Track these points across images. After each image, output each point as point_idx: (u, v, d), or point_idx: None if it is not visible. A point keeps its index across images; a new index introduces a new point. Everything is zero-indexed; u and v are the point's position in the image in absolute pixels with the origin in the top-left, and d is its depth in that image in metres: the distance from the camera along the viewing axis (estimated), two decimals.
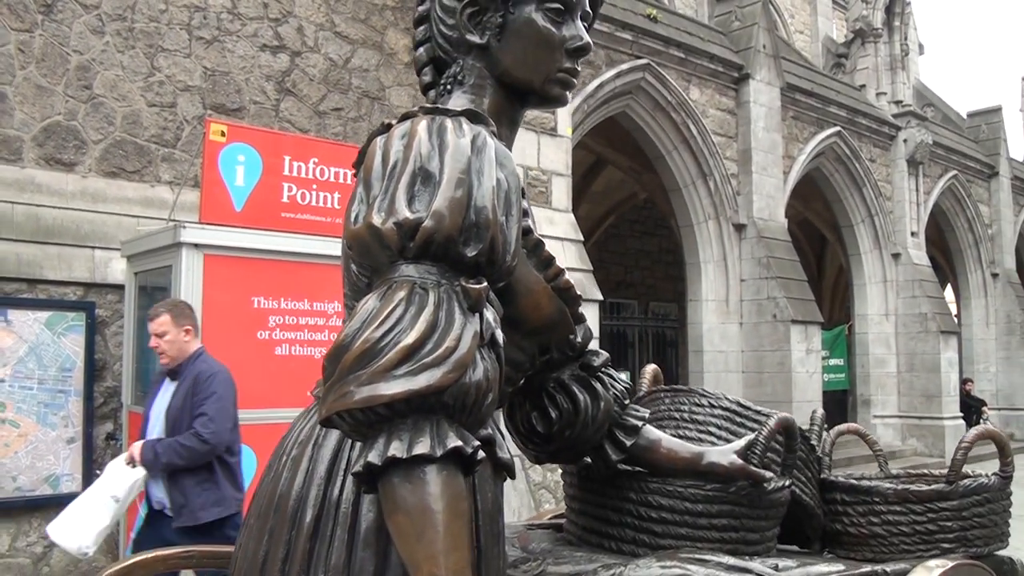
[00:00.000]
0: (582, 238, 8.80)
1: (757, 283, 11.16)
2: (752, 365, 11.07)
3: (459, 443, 1.12)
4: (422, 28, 1.67)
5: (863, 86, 15.32)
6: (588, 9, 1.67)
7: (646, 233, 17.49)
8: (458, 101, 1.57)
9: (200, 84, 7.61)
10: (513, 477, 1.49)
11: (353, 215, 1.29)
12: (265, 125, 7.80)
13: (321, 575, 1.31)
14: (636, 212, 17.01)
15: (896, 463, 11.98)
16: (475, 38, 1.59)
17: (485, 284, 1.24)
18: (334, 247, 5.48)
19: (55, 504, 6.13)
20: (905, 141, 14.73)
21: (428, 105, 1.42)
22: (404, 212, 1.21)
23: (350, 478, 1.33)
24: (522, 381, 1.74)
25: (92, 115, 7.01)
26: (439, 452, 1.10)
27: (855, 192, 14.10)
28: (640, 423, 1.85)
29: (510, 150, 1.57)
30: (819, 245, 18.45)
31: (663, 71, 10.79)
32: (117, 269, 6.61)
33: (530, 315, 1.50)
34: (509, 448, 1.50)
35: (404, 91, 8.95)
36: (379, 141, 1.34)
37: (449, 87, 1.61)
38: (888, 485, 2.15)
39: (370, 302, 1.19)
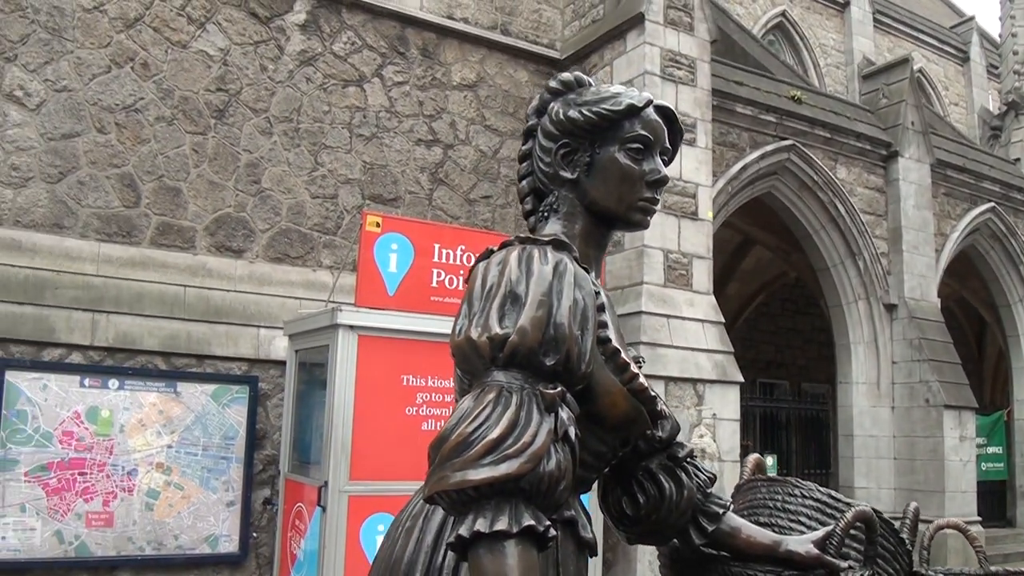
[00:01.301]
0: (723, 320, 8.87)
1: (909, 365, 10.87)
2: (904, 451, 10.73)
3: (532, 522, 1.36)
4: (525, 163, 1.97)
5: (1018, 159, 14.81)
6: (667, 145, 1.94)
7: (798, 312, 17.22)
8: (553, 227, 1.86)
9: (360, 177, 8.22)
10: (594, 554, 1.74)
11: (457, 328, 1.58)
12: (419, 213, 8.33)
13: None
14: (787, 291, 16.80)
15: None
16: (567, 174, 1.87)
17: (560, 389, 1.49)
18: None
19: (213, 562, 6.66)
20: None
21: (522, 235, 1.72)
22: (495, 328, 1.49)
23: None
24: (607, 469, 1.97)
25: (260, 207, 7.68)
26: (515, 529, 1.34)
27: (1011, 270, 13.54)
28: (721, 511, 2.04)
29: (599, 269, 1.87)
30: (978, 325, 17.62)
31: (808, 151, 10.80)
32: (279, 346, 7.15)
33: (608, 413, 1.73)
34: (592, 528, 1.75)
35: None
36: (480, 267, 1.64)
37: (546, 214, 1.90)
38: None
39: (466, 402, 1.46)
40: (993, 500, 13.83)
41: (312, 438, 6.35)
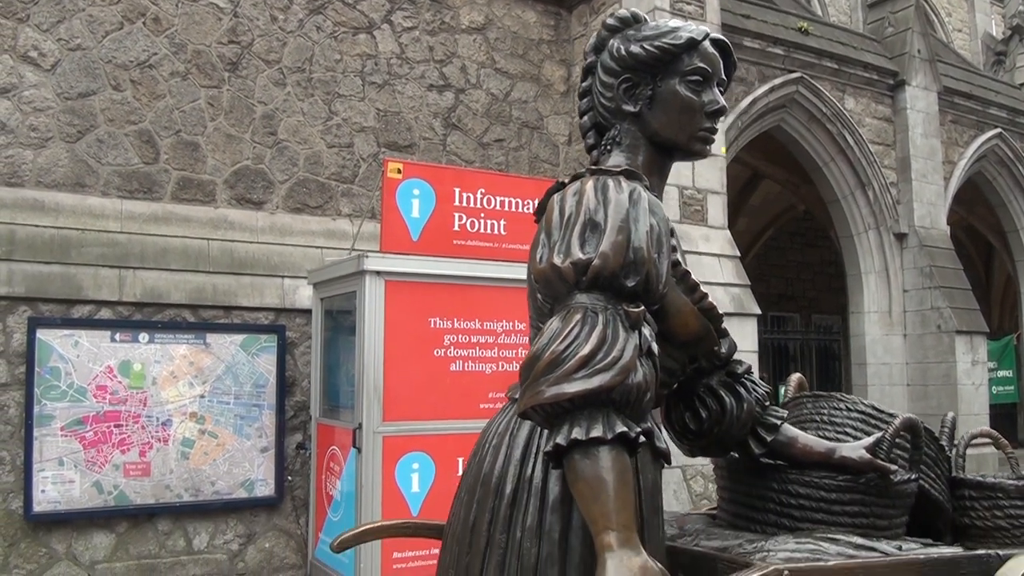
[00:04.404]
0: (739, 254, 8.96)
1: (920, 293, 10.97)
2: (917, 377, 10.87)
3: (624, 429, 1.47)
4: (585, 100, 2.04)
5: (1023, 84, 14.75)
6: (723, 76, 2.01)
7: (807, 245, 17.28)
8: (617, 159, 1.94)
9: (374, 124, 8.25)
10: (669, 463, 1.85)
11: (538, 256, 1.67)
12: (434, 159, 8.37)
13: (519, 533, 1.70)
14: (796, 224, 16.84)
15: None
16: (630, 107, 1.95)
17: (642, 308, 1.59)
18: (502, 270, 5.96)
19: (250, 506, 6.85)
20: None
21: (593, 167, 1.80)
22: (578, 254, 1.58)
23: (540, 459, 1.72)
24: (675, 385, 2.09)
25: (277, 158, 7.73)
26: (610, 435, 1.45)
27: (1019, 195, 13.56)
28: (779, 422, 2.15)
29: (661, 197, 1.95)
30: (986, 252, 17.70)
31: (817, 83, 10.79)
32: (304, 295, 7.26)
33: (680, 331, 1.84)
34: (665, 440, 1.86)
35: (561, 119, 9.38)
36: (556, 198, 1.72)
37: (609, 147, 1.98)
38: (1011, 482, 2.35)
39: (555, 323, 1.56)
40: (1005, 423, 14.03)
41: (341, 383, 6.48)
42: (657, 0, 8.64)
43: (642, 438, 1.50)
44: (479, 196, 6.30)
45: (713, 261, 8.56)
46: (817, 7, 16.89)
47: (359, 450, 5.67)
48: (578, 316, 1.54)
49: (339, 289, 6.28)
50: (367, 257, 5.73)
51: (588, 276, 1.57)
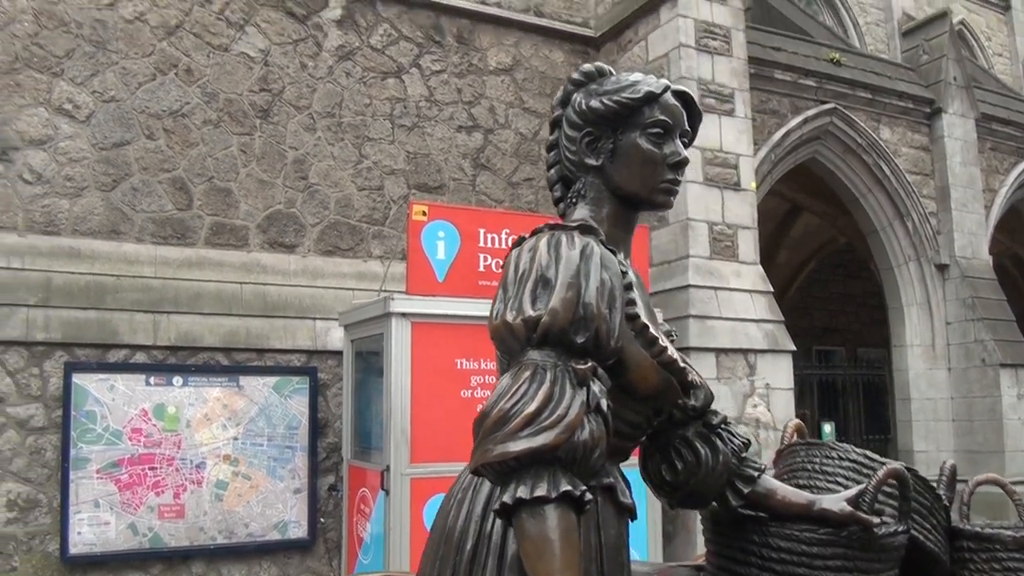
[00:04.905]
0: (771, 289, 8.86)
1: (963, 325, 10.76)
2: (962, 413, 10.63)
3: (569, 488, 1.47)
4: (553, 153, 2.06)
5: None
6: (687, 127, 2.02)
7: (850, 276, 17.06)
8: (582, 212, 1.95)
9: (404, 166, 8.35)
10: (634, 518, 1.85)
11: (494, 312, 1.69)
12: (463, 199, 8.45)
13: None
14: (838, 256, 16.64)
15: None
16: (592, 160, 1.96)
17: (591, 364, 1.59)
18: None
19: (283, 548, 6.88)
20: None
21: (551, 222, 1.82)
22: (529, 310, 1.59)
23: None
24: (646, 438, 2.08)
25: (309, 202, 7.86)
26: (554, 494, 1.45)
27: None
28: (756, 473, 2.13)
29: (629, 249, 1.97)
30: None
31: (851, 113, 10.71)
32: (336, 337, 7.33)
33: (639, 385, 1.83)
34: (631, 494, 1.86)
35: None
36: (513, 254, 1.74)
37: (574, 200, 1.99)
38: (1009, 533, 2.27)
39: (505, 380, 1.57)
40: None
41: (372, 424, 6.51)
42: (682, 37, 8.67)
43: (588, 496, 1.50)
44: (504, 236, 6.33)
45: (745, 297, 8.49)
46: (853, 37, 16.80)
47: (387, 492, 5.68)
48: (527, 373, 1.55)
49: (368, 331, 6.33)
50: (393, 299, 5.77)
51: (538, 333, 1.58)
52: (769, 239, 15.50)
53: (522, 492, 1.46)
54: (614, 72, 2.02)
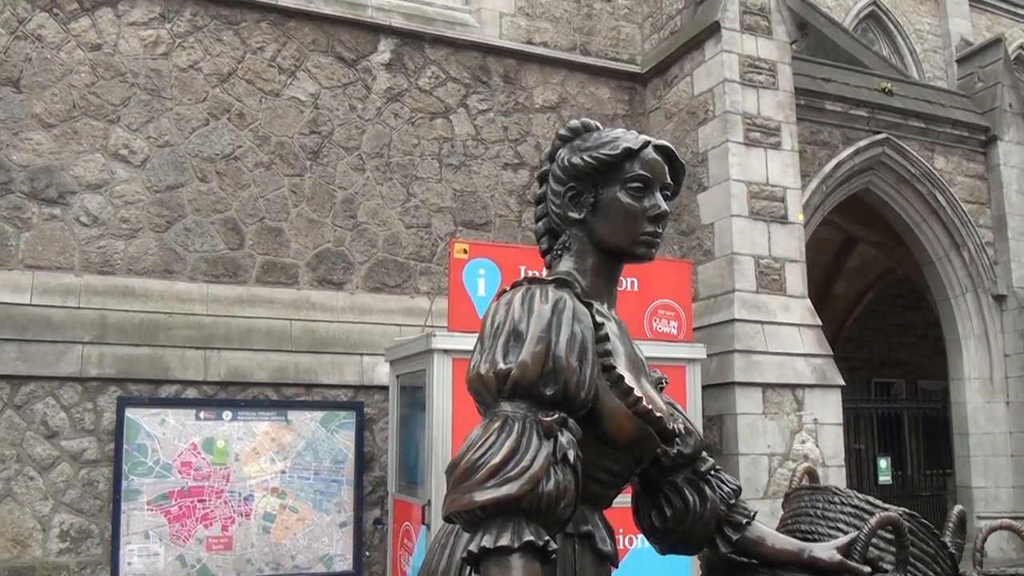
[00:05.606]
0: (819, 323, 8.77)
1: (1022, 358, 10.50)
2: (1021, 448, 10.36)
3: (532, 538, 1.52)
4: (541, 206, 2.12)
5: None
6: (668, 181, 2.07)
7: (909, 307, 16.70)
8: (566, 264, 2.01)
9: (451, 204, 8.50)
10: (615, 565, 1.89)
11: (471, 365, 1.76)
12: (509, 236, 8.55)
13: None
14: (896, 286, 16.31)
15: None
16: (575, 214, 2.02)
17: (559, 416, 1.65)
18: None
19: None
20: None
21: (530, 276, 1.88)
22: (500, 364, 1.65)
23: None
24: (639, 484, 2.12)
25: (357, 240, 8.03)
26: (516, 544, 1.51)
27: None
28: (745, 520, 2.15)
29: (613, 301, 2.05)
30: None
31: (903, 143, 10.59)
32: (382, 372, 7.45)
33: (615, 434, 1.87)
34: (612, 542, 1.90)
35: None
36: (491, 307, 1.81)
37: (560, 253, 2.05)
38: None
39: (475, 431, 1.63)
40: None
41: (416, 459, 6.59)
42: (727, 72, 8.71)
43: (552, 545, 1.55)
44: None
45: (793, 331, 8.42)
46: (911, 64, 16.63)
47: (428, 527, 5.75)
48: (496, 425, 1.61)
49: (412, 366, 6.43)
50: (435, 336, 5.87)
51: (508, 385, 1.64)
52: (825, 270, 15.32)
53: (487, 541, 1.52)
54: (600, 127, 2.08)
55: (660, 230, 2.03)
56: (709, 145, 8.85)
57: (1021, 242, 10.99)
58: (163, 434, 6.65)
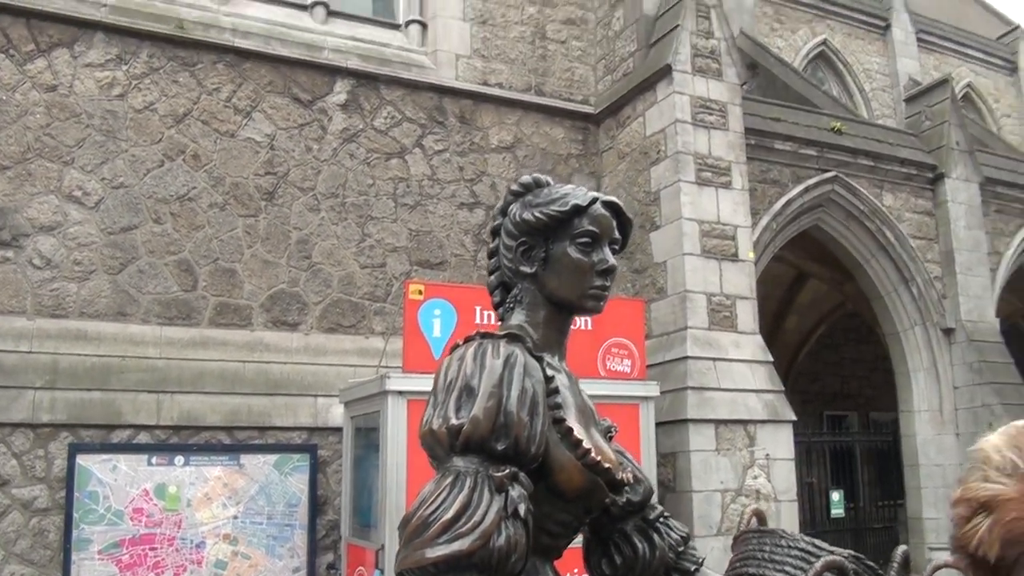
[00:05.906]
0: (771, 359, 8.91)
1: (971, 390, 10.71)
2: None
3: None
4: (493, 260, 2.18)
5: None
6: (616, 235, 2.14)
7: (860, 341, 16.96)
8: (518, 318, 2.06)
9: (406, 244, 8.54)
10: None
11: (424, 420, 1.80)
12: (465, 275, 8.60)
13: None
14: (847, 320, 16.55)
15: None
16: (527, 268, 2.07)
17: (510, 470, 1.69)
18: None
19: None
20: None
21: (482, 331, 1.93)
22: (453, 419, 1.69)
23: None
24: (592, 533, 2.17)
25: (312, 280, 8.04)
26: None
27: None
28: (693, 567, 2.22)
29: (564, 353, 2.09)
30: None
31: (853, 181, 10.80)
32: (337, 413, 7.43)
33: (565, 487, 1.92)
34: None
35: None
36: (444, 362, 1.85)
37: (512, 306, 2.11)
38: None
39: (428, 487, 1.67)
40: None
41: (370, 502, 6.56)
42: (678, 113, 8.87)
43: None
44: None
45: (744, 368, 8.53)
46: (860, 103, 16.98)
47: (382, 572, 5.73)
48: (448, 480, 1.65)
49: (366, 408, 6.43)
50: (389, 377, 5.88)
51: (461, 440, 1.67)
52: (778, 304, 15.53)
53: None
54: (551, 183, 2.14)
55: (608, 283, 2.09)
56: (661, 184, 8.99)
57: (969, 276, 11.23)
58: (115, 480, 6.57)
